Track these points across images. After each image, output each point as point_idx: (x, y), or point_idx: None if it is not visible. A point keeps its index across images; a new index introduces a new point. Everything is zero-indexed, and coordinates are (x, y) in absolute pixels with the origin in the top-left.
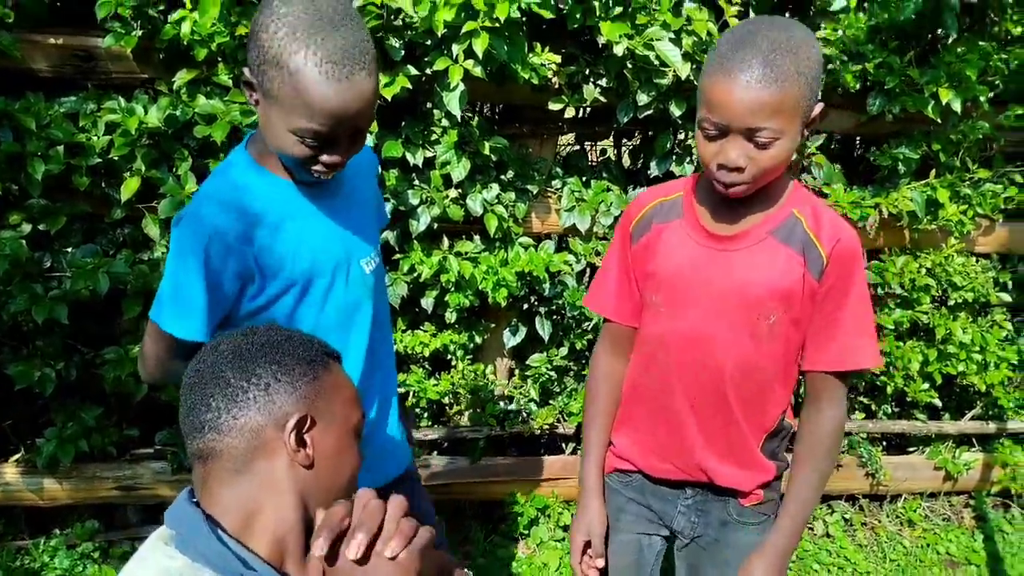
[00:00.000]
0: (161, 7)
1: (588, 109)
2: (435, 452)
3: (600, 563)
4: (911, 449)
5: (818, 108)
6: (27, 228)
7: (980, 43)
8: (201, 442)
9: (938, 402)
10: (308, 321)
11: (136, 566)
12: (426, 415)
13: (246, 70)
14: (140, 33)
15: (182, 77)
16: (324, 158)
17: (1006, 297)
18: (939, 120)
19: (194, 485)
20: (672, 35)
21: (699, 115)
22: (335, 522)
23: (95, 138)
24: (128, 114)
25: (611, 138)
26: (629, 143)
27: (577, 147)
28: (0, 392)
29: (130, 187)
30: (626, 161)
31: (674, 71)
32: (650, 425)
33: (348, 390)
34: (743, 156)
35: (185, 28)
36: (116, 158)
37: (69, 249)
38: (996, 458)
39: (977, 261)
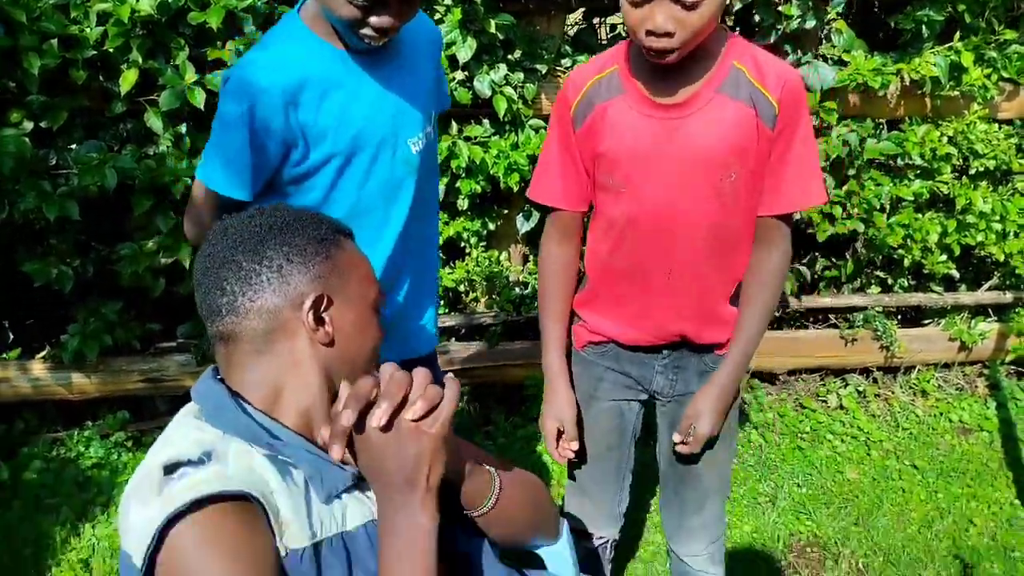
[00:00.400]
0: None
1: None
2: (453, 339)
3: (575, 445)
4: (926, 322)
5: None
6: (28, 125)
7: None
8: (220, 325)
9: (955, 273)
10: (348, 195)
11: (167, 439)
12: (443, 303)
13: None
14: None
15: None
16: (373, 20)
17: None
18: None
19: (218, 364)
20: None
21: None
22: (362, 393)
23: (88, 30)
24: (119, 2)
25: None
26: None
27: (585, 24)
28: (22, 292)
29: (128, 79)
30: None
31: None
32: (623, 301)
33: (363, 266)
34: (671, 20)
35: None
36: (111, 50)
37: (73, 146)
38: (1011, 327)
39: (1000, 128)
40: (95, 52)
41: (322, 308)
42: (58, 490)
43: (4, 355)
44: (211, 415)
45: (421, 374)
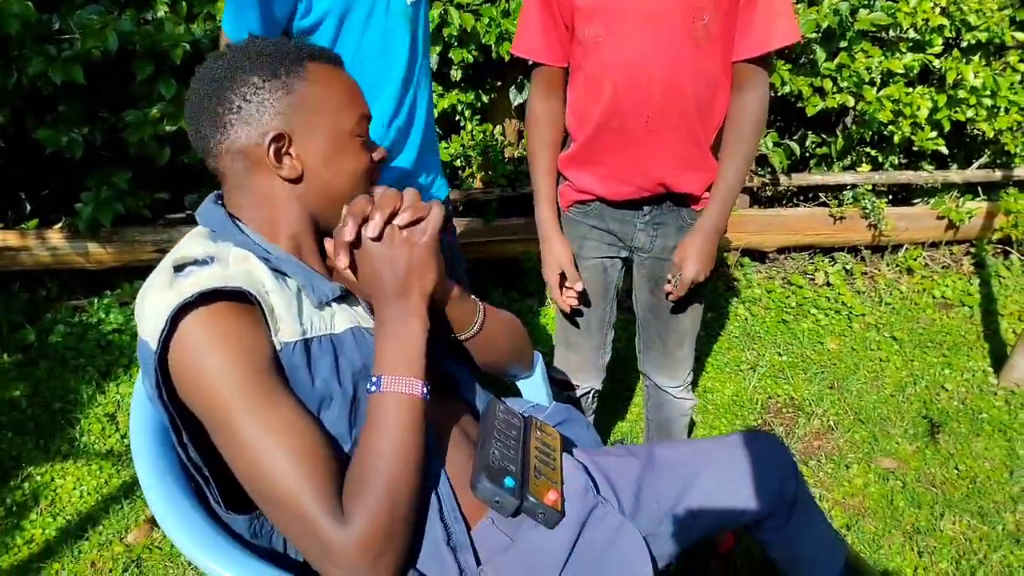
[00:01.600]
0: None
1: None
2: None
3: (579, 286)
4: (915, 201)
5: None
6: None
7: None
8: (209, 163)
9: (944, 150)
10: (350, 45)
11: (179, 247)
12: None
13: None
14: None
15: None
16: None
17: (1022, 36)
18: None
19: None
20: None
21: None
22: (357, 209)
23: None
24: None
25: None
26: None
27: None
28: (35, 162)
29: None
30: None
31: None
32: (606, 154)
33: (336, 93)
34: None
35: None
36: None
37: (76, 12)
38: (1000, 206)
39: None
40: None
41: (283, 146)
42: (82, 352)
43: (23, 225)
44: (214, 232)
45: (411, 192)
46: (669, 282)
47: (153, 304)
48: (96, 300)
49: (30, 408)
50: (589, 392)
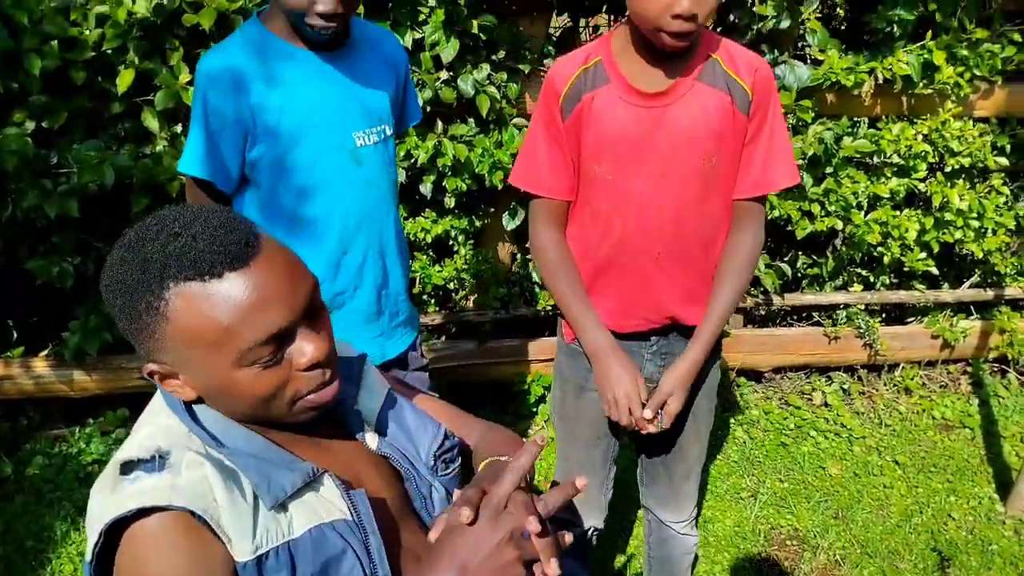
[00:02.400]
0: None
1: None
2: (442, 336)
3: (648, 414)
4: (909, 320)
5: None
6: (30, 125)
7: None
8: None
9: (935, 271)
10: (295, 180)
11: (136, 429)
12: (432, 301)
13: None
14: None
15: None
16: (318, 7)
17: (1004, 161)
18: None
19: None
20: None
21: None
22: (476, 501)
23: (87, 32)
24: (117, 5)
25: (605, 12)
26: (622, 17)
27: (570, 24)
28: (25, 291)
29: (125, 79)
30: None
31: None
32: (614, 289)
33: (211, 324)
34: (696, 2)
35: None
36: (109, 51)
37: (74, 146)
38: (993, 325)
39: (975, 125)
40: (94, 54)
41: (158, 379)
42: (60, 485)
43: (8, 353)
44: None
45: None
46: (650, 420)
47: (93, 510)
48: (78, 429)
49: (1, 546)
50: (590, 531)
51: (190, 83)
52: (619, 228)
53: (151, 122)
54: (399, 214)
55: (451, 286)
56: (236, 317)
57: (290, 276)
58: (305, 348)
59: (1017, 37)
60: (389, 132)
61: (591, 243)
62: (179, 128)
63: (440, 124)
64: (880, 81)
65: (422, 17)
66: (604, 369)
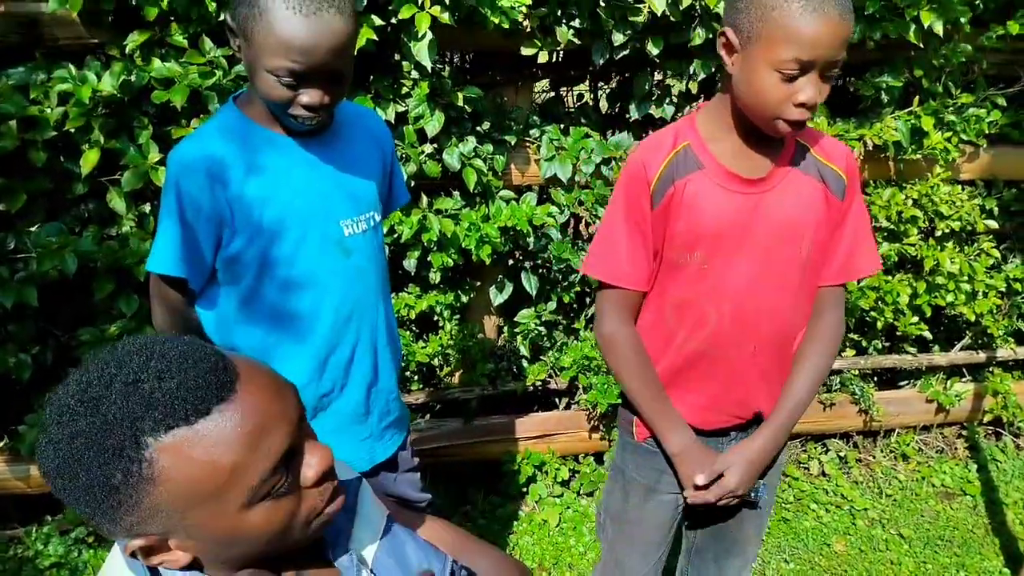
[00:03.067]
0: None
1: (562, 53)
2: (427, 415)
3: (702, 480)
4: (902, 383)
5: None
6: None
7: None
8: None
9: (928, 335)
10: (279, 274)
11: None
12: (416, 378)
13: (228, 16)
14: None
15: (134, 40)
16: (303, 99)
17: (993, 224)
18: (921, 45)
19: None
20: None
21: (775, 56)
22: None
23: (48, 110)
24: (80, 83)
25: (587, 82)
26: (606, 86)
27: (553, 93)
28: None
29: (89, 160)
30: (604, 105)
31: (649, 7)
32: (703, 384)
33: (212, 471)
34: (819, 91)
35: None
36: (72, 130)
37: (33, 228)
38: (987, 387)
39: (963, 189)
40: (55, 133)
41: (149, 554)
42: None
43: None
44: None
45: None
46: (699, 488)
47: None
48: (35, 529)
49: None
50: None
51: (160, 162)
52: (714, 320)
53: (117, 203)
54: (391, 304)
55: (436, 363)
56: (240, 452)
57: (277, 390)
58: (311, 461)
59: (1001, 101)
60: (378, 218)
61: (675, 336)
62: (147, 208)
63: (425, 198)
64: (870, 147)
65: (405, 90)
66: (690, 467)
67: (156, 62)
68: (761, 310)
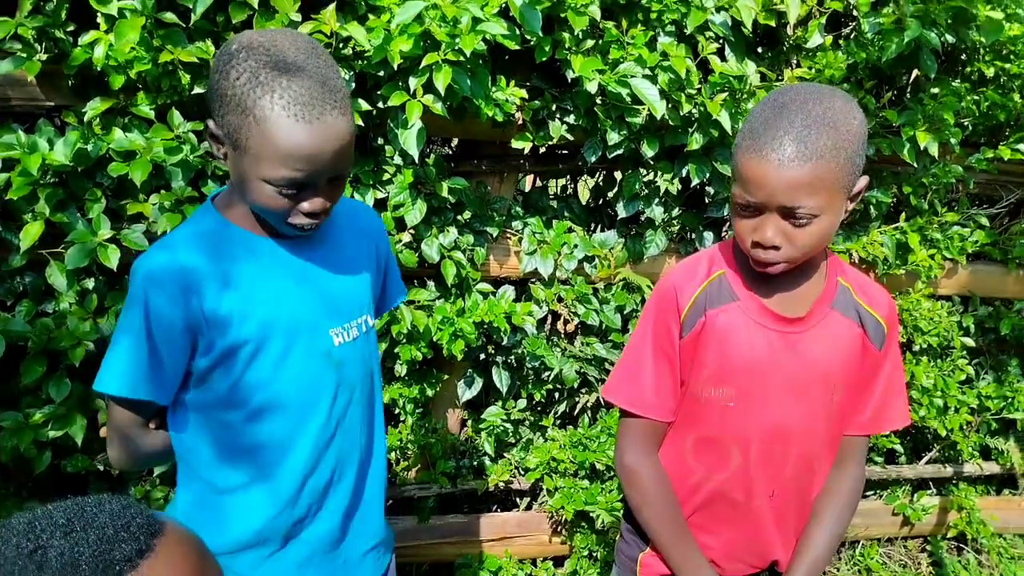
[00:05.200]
0: (70, 28)
1: (551, 145)
2: None
3: None
4: (868, 493)
5: (863, 181)
6: None
7: (952, 84)
8: None
9: (899, 447)
10: (259, 391)
11: None
12: None
13: (211, 122)
14: (45, 57)
15: (95, 108)
16: (304, 206)
17: (969, 342)
18: (914, 163)
19: None
20: (648, 71)
21: (733, 190)
22: None
23: None
24: (29, 150)
25: (568, 175)
26: (590, 180)
27: (539, 185)
28: None
29: (31, 234)
30: (584, 196)
31: (648, 110)
32: (717, 526)
33: None
34: (779, 235)
35: (99, 52)
36: (15, 199)
37: None
38: (952, 502)
39: (942, 305)
40: None
41: None
42: None
43: None
44: None
45: None
46: None
47: None
48: None
49: None
50: None
51: (111, 239)
52: (737, 461)
53: (57, 279)
54: (382, 414)
55: (393, 456)
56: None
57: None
58: None
59: (984, 220)
60: (371, 322)
61: (693, 474)
62: (91, 283)
63: None
64: (855, 260)
65: (387, 176)
66: None
67: (117, 132)
68: (788, 455)
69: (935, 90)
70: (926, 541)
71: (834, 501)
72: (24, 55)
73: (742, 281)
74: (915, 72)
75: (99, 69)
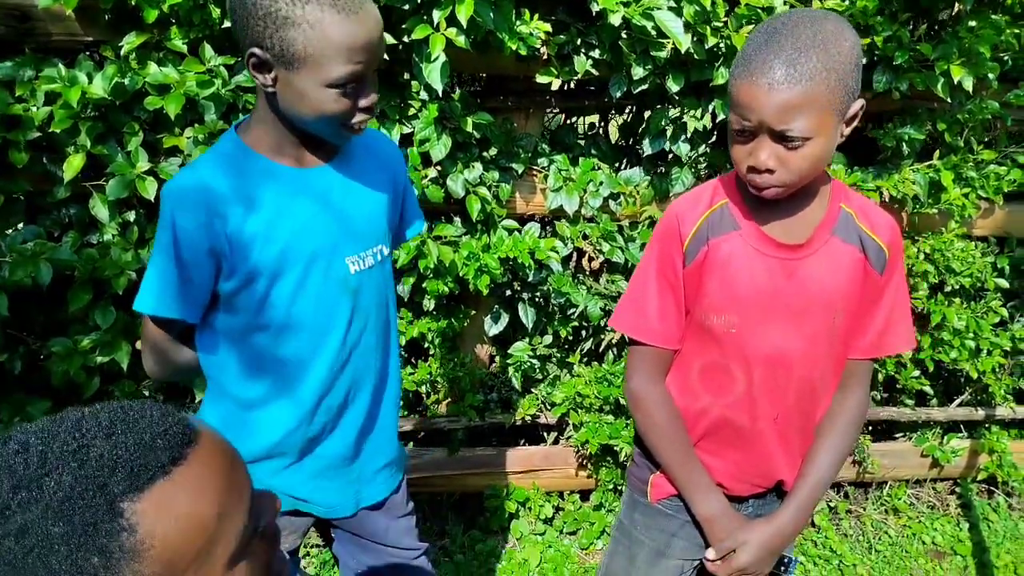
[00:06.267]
0: None
1: (577, 81)
2: (411, 443)
3: (712, 554)
4: (898, 435)
5: (857, 104)
6: None
7: (992, 17)
8: None
9: (929, 389)
10: (279, 314)
11: None
12: (402, 404)
13: (256, 50)
14: None
15: (130, 42)
16: (363, 102)
17: (1003, 283)
18: (948, 98)
19: None
20: (672, 3)
21: (729, 116)
22: None
23: (34, 109)
24: (69, 83)
25: (598, 113)
26: (619, 117)
27: (563, 119)
28: None
29: (73, 165)
30: (614, 135)
31: (673, 43)
32: (723, 450)
33: (201, 526)
34: (773, 157)
35: None
36: (57, 132)
37: (9, 232)
38: (983, 445)
39: (976, 245)
40: (39, 134)
41: None
42: None
43: None
44: None
45: None
46: (712, 560)
47: None
48: None
49: None
50: None
51: (149, 172)
52: (741, 386)
53: (100, 210)
54: (396, 342)
55: (423, 390)
56: (223, 498)
57: (223, 442)
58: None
59: (1022, 159)
60: (386, 251)
61: (699, 399)
62: (132, 216)
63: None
64: (886, 198)
65: (412, 111)
66: (721, 533)
67: (152, 66)
68: (790, 378)
69: (973, 23)
70: (955, 484)
71: (837, 423)
72: None
73: (744, 210)
74: (956, 5)
75: (133, 3)
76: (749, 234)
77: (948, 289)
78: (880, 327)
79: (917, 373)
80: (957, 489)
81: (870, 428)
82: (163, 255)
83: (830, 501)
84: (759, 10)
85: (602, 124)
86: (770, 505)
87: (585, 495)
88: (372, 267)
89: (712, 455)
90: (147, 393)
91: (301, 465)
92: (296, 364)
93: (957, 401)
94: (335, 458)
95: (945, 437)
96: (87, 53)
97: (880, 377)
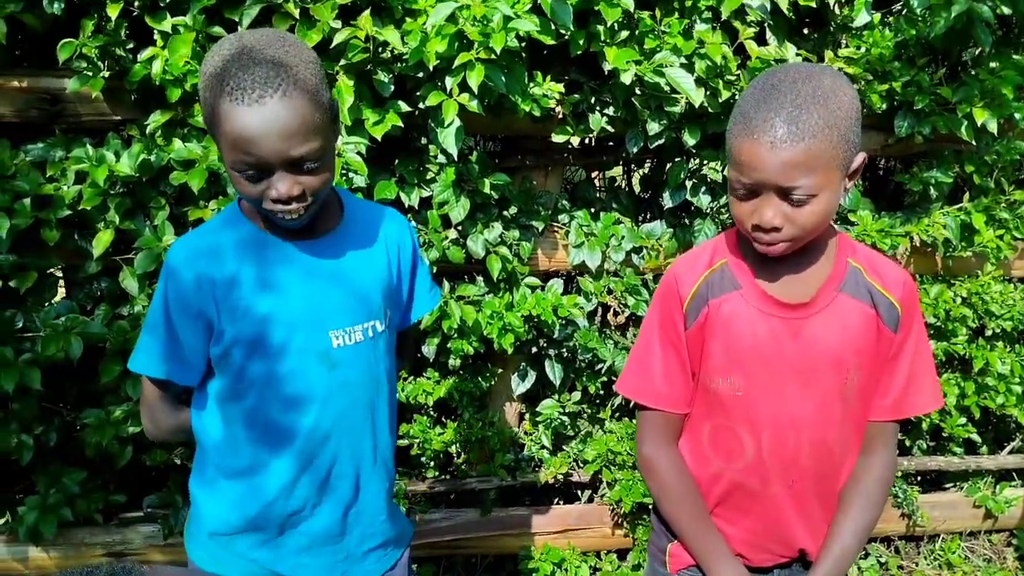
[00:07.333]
0: (129, 46)
1: (594, 137)
2: (442, 505)
3: None
4: (948, 485)
5: (859, 158)
6: None
7: (1015, 56)
8: None
9: (976, 437)
10: (255, 382)
11: None
12: (432, 466)
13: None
14: (107, 74)
15: (156, 120)
16: (271, 192)
17: None
18: (972, 141)
19: None
20: (684, 60)
21: (729, 174)
22: None
23: (64, 188)
24: (97, 162)
25: (620, 165)
26: (639, 170)
27: (584, 175)
28: None
29: (103, 241)
30: (636, 187)
31: (686, 98)
32: (739, 517)
33: None
34: (779, 215)
35: (156, 67)
36: (87, 209)
37: (43, 307)
38: None
39: (1015, 287)
40: (70, 212)
41: None
42: None
43: None
44: None
45: None
46: None
47: None
48: None
49: None
50: None
51: None
52: (751, 450)
53: (130, 283)
54: (390, 417)
55: (453, 450)
56: None
57: None
58: None
59: None
60: (381, 327)
61: (712, 464)
62: None
63: (447, 284)
64: (916, 243)
65: (430, 175)
66: None
67: (176, 143)
68: (801, 441)
69: (993, 64)
70: (1012, 535)
71: (861, 488)
72: (89, 73)
73: (745, 268)
74: (976, 48)
75: (158, 83)
76: (750, 294)
77: (989, 333)
78: (900, 387)
79: (963, 420)
80: (1014, 541)
81: (918, 479)
82: (154, 316)
83: (880, 557)
84: (772, 62)
85: (624, 176)
86: (797, 575)
87: (623, 554)
88: (360, 343)
89: (728, 523)
90: (178, 461)
91: (283, 540)
92: (273, 435)
93: (1008, 448)
94: (320, 535)
95: (998, 486)
96: (116, 131)
97: (925, 426)
